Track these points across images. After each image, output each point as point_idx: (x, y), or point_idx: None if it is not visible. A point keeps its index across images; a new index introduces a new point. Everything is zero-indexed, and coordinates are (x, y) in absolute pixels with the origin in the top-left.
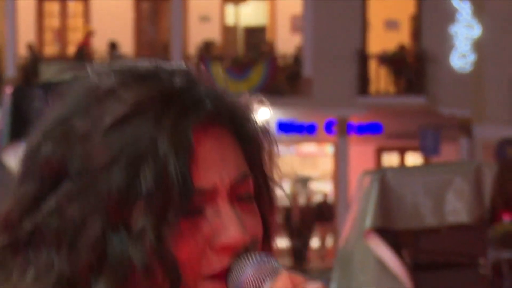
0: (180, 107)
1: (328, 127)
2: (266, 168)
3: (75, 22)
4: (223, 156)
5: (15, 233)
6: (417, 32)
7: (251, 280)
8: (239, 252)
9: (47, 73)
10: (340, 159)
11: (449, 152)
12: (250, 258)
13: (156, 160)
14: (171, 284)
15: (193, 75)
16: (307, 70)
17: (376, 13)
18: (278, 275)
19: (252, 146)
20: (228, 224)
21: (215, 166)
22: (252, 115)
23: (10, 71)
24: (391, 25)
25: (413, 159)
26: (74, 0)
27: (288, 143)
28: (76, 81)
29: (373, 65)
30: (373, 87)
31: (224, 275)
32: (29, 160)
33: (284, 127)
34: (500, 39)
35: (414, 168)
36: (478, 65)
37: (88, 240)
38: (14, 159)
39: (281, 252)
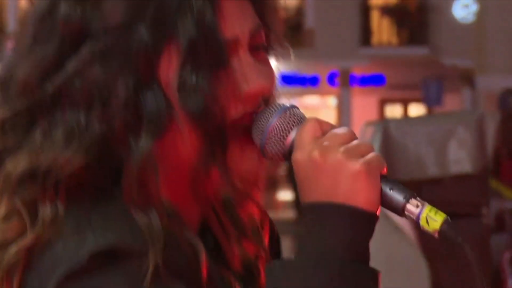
0: None
1: (331, 79)
2: (274, 23)
3: None
4: (241, 9)
5: (34, 96)
6: None
7: (278, 128)
8: (264, 98)
9: None
10: (343, 111)
11: (452, 102)
12: (274, 107)
13: (193, 13)
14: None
15: None
16: (309, 21)
17: None
18: (305, 121)
19: (261, 2)
20: (251, 74)
21: (237, 19)
22: None
23: (13, 25)
24: None
25: (416, 110)
26: None
27: (290, 96)
28: None
29: (375, 16)
30: (375, 38)
31: (246, 122)
32: (43, 21)
33: (287, 79)
34: None
35: (416, 119)
36: (481, 15)
37: (120, 99)
38: None
39: (285, 204)
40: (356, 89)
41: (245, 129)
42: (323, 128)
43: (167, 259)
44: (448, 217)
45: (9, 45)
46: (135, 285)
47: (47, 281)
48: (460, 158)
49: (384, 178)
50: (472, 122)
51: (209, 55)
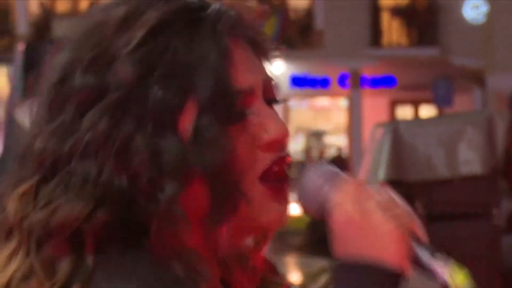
0: (212, 15)
1: (342, 80)
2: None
3: None
4: (252, 60)
5: (52, 162)
6: None
7: (317, 185)
8: (284, 145)
9: (60, 29)
10: (354, 112)
11: (462, 103)
12: (309, 165)
13: (208, 67)
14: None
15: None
16: (319, 22)
17: None
18: (340, 177)
19: (265, 58)
20: (269, 121)
21: (250, 70)
22: (262, 29)
23: (22, 28)
24: None
25: (427, 111)
26: None
27: (301, 97)
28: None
29: (385, 17)
30: (385, 39)
31: (277, 170)
32: (57, 92)
33: (298, 81)
34: None
35: (426, 120)
36: (491, 15)
37: (140, 152)
38: (27, 115)
39: None
40: (367, 91)
41: (279, 177)
42: (361, 188)
43: None
44: (469, 273)
45: (20, 47)
46: None
47: None
48: (470, 159)
49: (414, 238)
50: (481, 123)
51: (227, 107)
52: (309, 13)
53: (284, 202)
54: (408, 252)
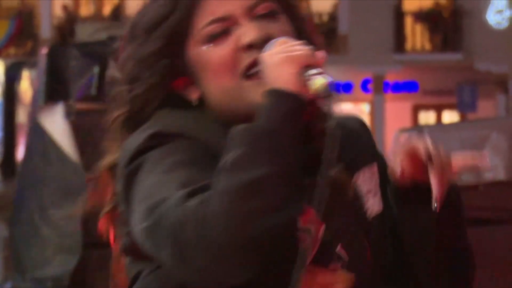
0: None
1: (364, 85)
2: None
3: None
4: None
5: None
6: None
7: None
8: (261, 46)
9: (83, 33)
10: (377, 117)
11: (486, 108)
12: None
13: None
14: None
15: None
16: (343, 27)
17: None
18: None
19: None
20: (247, 29)
21: (222, 3)
22: None
23: (46, 32)
24: None
25: (450, 116)
26: None
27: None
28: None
29: (409, 22)
30: (409, 44)
31: (254, 67)
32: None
33: None
34: None
35: (450, 125)
36: None
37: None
38: (50, 120)
39: None
40: (390, 95)
41: (253, 74)
42: (286, 42)
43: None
44: (330, 80)
45: (43, 50)
46: (168, 154)
47: (121, 165)
48: (494, 165)
49: (308, 67)
50: (506, 129)
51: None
52: (332, 18)
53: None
54: (294, 76)
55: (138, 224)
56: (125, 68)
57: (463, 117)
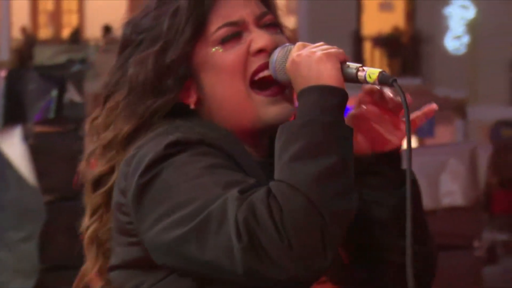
0: None
1: None
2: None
3: (69, 5)
4: (239, 3)
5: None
6: (411, 13)
7: (280, 58)
8: (269, 52)
9: (42, 56)
10: None
11: (444, 133)
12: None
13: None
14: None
15: None
16: None
17: None
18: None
19: (269, 4)
20: (258, 35)
21: (238, 7)
22: None
23: (5, 54)
24: (385, 6)
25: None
26: None
27: None
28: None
29: (367, 47)
30: None
31: (262, 71)
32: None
33: None
34: (495, 20)
35: None
36: (473, 46)
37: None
38: (8, 143)
39: None
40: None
41: (261, 79)
42: (305, 45)
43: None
44: (384, 71)
45: (1, 73)
46: (197, 159)
47: (135, 174)
48: (452, 190)
49: (344, 62)
50: (464, 155)
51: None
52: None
53: (281, 102)
54: (337, 71)
55: (169, 230)
56: (133, 77)
57: (421, 143)
